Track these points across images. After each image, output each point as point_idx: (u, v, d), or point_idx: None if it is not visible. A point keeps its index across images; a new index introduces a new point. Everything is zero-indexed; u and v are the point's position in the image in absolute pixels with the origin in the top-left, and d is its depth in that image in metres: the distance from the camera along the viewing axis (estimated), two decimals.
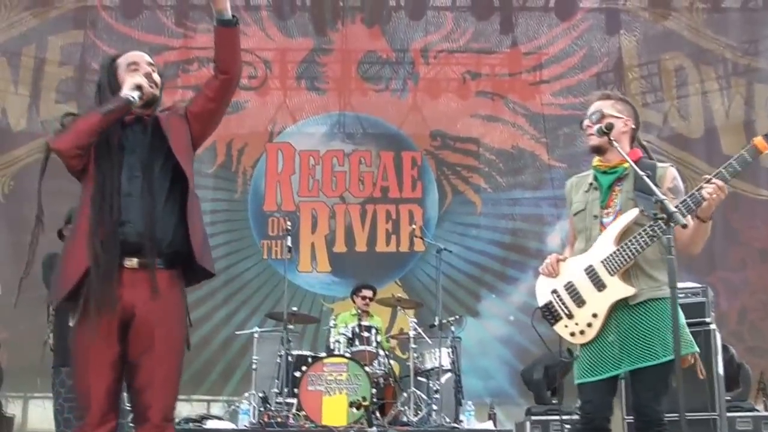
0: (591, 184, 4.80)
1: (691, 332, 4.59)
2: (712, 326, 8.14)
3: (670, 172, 4.62)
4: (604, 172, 4.75)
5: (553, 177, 13.35)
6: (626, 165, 4.59)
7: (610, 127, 4.56)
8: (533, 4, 14.44)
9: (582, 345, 4.64)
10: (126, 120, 4.08)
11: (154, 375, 3.86)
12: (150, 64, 4.22)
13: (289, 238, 10.19)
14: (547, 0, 14.27)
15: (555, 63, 14.20)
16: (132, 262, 3.91)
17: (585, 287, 4.64)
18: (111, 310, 3.81)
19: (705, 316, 8.15)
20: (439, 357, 9.75)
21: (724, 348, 8.58)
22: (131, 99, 3.99)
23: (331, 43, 14.38)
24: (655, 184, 4.31)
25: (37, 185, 4.04)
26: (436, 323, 9.95)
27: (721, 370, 8.11)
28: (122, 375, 3.92)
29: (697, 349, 4.59)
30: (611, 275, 4.54)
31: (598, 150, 4.73)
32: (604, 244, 4.59)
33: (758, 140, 4.31)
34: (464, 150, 14.09)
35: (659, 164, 4.66)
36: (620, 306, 4.55)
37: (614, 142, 4.55)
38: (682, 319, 4.36)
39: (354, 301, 10.85)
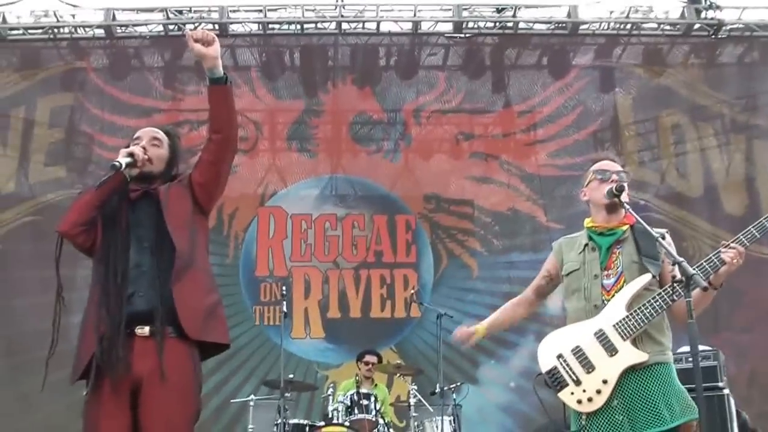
0: (587, 244, 4.77)
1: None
2: (726, 391, 7.93)
3: (668, 238, 4.62)
4: (601, 234, 4.73)
5: (551, 239, 13.01)
6: (624, 228, 4.70)
7: (621, 189, 4.60)
8: (526, 63, 14.25)
9: (588, 414, 4.50)
10: (133, 196, 4.18)
11: None
12: (155, 138, 4.36)
13: (284, 303, 9.88)
14: (539, 58, 14.12)
15: (550, 122, 14.03)
16: (144, 331, 3.94)
17: (595, 352, 4.55)
18: (117, 378, 3.83)
19: (718, 381, 7.96)
20: (441, 425, 9.47)
21: (737, 413, 8.27)
22: (116, 164, 4.03)
23: (321, 104, 14.20)
24: (657, 250, 4.44)
25: (55, 266, 4.08)
26: (437, 390, 9.65)
27: None
28: None
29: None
30: (624, 340, 4.48)
31: (611, 208, 4.70)
32: (615, 308, 4.55)
33: None
34: (459, 213, 13.86)
35: (655, 230, 4.59)
36: (625, 371, 4.49)
37: (626, 205, 4.61)
38: (678, 383, 4.49)
39: (359, 367, 10.68)
